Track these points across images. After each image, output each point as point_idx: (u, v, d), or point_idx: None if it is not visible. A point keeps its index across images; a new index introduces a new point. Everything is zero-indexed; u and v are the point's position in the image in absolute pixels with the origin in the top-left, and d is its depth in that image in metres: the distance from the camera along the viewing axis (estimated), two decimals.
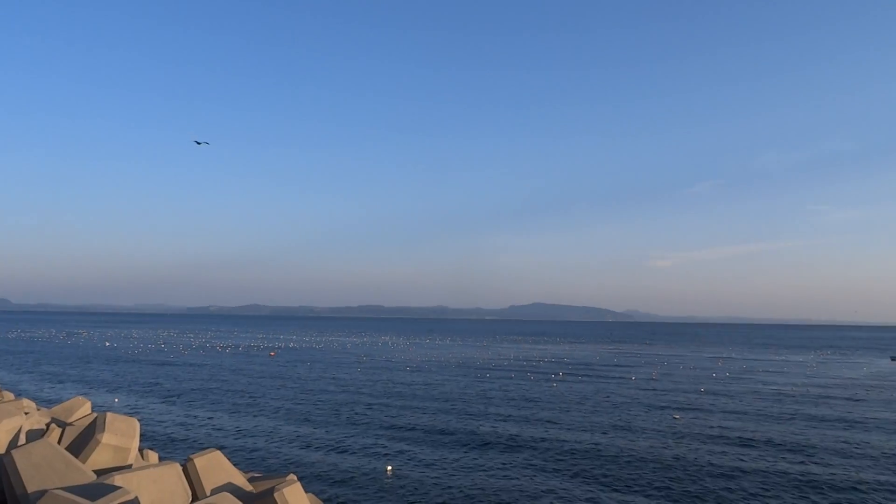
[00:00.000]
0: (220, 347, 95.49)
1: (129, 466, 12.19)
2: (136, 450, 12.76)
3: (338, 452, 24.32)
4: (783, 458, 24.19)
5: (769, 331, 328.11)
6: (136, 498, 9.54)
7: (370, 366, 65.04)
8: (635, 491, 19.55)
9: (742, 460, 23.65)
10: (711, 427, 30.71)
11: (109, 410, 19.94)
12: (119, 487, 9.62)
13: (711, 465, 22.87)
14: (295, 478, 13.00)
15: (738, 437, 28.11)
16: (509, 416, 33.45)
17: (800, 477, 21.26)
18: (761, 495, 19.08)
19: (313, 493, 16.29)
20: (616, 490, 19.62)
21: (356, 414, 33.59)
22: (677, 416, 33.76)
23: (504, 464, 22.78)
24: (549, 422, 31.74)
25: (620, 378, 55.35)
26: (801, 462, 23.51)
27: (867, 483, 20.70)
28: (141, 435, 25.78)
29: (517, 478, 20.85)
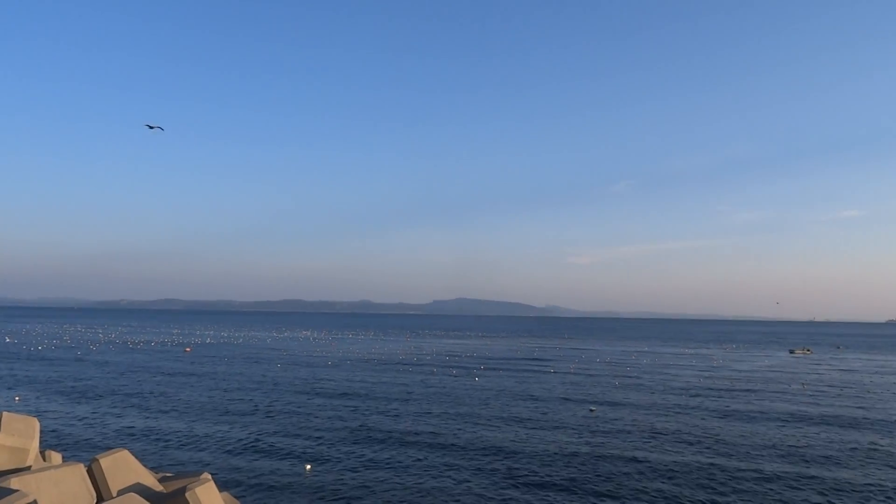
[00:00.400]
0: (131, 343, 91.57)
1: (28, 468, 11.57)
2: (36, 451, 12.11)
3: (255, 450, 23.84)
4: (690, 448, 25.43)
5: (681, 325, 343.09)
6: (35, 501, 9.07)
7: (290, 361, 63.97)
8: (551, 485, 20.11)
9: (651, 451, 24.71)
10: (624, 419, 31.94)
11: (7, 410, 18.80)
12: (16, 490, 9.12)
13: (623, 457, 23.80)
14: (209, 476, 12.67)
15: (650, 429, 29.35)
16: (430, 411, 33.68)
17: (705, 467, 22.42)
18: (667, 485, 20.01)
19: (228, 491, 15.89)
20: (531, 485, 20.12)
21: (275, 411, 32.99)
22: (593, 409, 34.91)
23: (423, 460, 22.94)
24: (469, 417, 32.17)
25: (540, 372, 56.67)
26: (707, 452, 24.79)
27: (765, 473, 22.02)
28: (43, 435, 24.45)
29: (436, 476, 21.04)
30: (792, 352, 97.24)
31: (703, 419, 32.15)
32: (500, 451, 24.13)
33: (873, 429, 30.27)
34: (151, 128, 45.33)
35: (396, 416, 31.92)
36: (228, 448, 24.18)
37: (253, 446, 24.53)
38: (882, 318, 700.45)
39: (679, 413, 34.06)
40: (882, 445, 26.31)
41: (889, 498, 18.77)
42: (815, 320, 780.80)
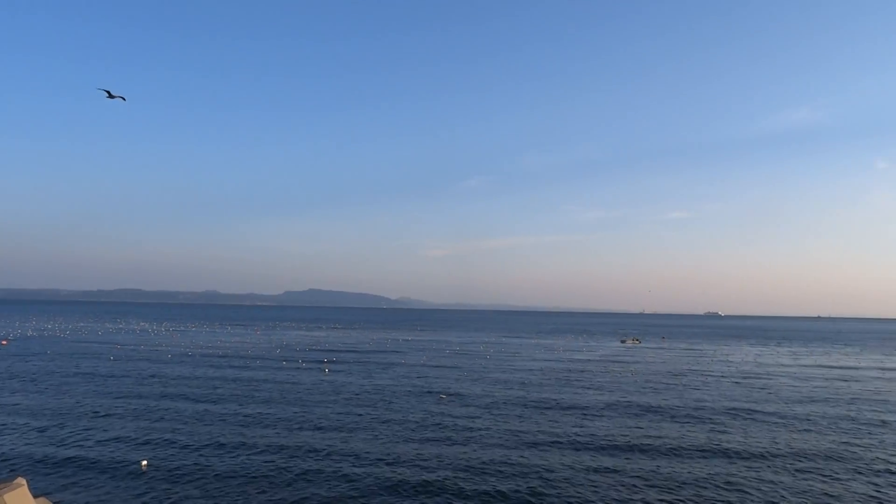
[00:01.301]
0: None
1: None
2: None
3: (79, 452, 22.00)
4: (530, 437, 26.83)
5: (530, 317, 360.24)
6: None
7: (123, 356, 59.63)
8: (394, 482, 20.38)
9: (491, 439, 25.81)
10: (471, 408, 33.06)
11: None
12: None
13: (470, 447, 24.64)
14: (23, 481, 11.62)
15: (491, 417, 30.61)
16: (276, 404, 32.90)
17: (539, 454, 23.77)
18: (504, 471, 21.01)
19: (46, 497, 14.59)
20: (371, 478, 20.29)
21: (105, 408, 30.65)
22: (443, 396, 35.87)
23: (266, 460, 22.40)
24: (316, 409, 31.79)
25: (392, 363, 57.12)
26: (544, 440, 26.28)
27: (586, 465, 23.74)
28: None
29: (278, 472, 20.63)
30: (623, 341, 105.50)
31: (544, 408, 34.03)
32: (346, 442, 24.10)
33: (682, 413, 33.58)
34: (112, 97, 37.66)
35: (241, 410, 30.82)
36: (48, 451, 22.14)
37: (77, 448, 22.63)
38: (701, 311, 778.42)
39: (521, 401, 35.78)
40: (692, 429, 29.30)
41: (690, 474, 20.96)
42: (645, 312, 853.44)
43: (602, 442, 25.21)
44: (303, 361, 57.12)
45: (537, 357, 68.80)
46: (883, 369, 62.70)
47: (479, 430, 27.10)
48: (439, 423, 28.28)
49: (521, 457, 22.47)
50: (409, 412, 31.09)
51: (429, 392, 38.47)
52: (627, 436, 26.45)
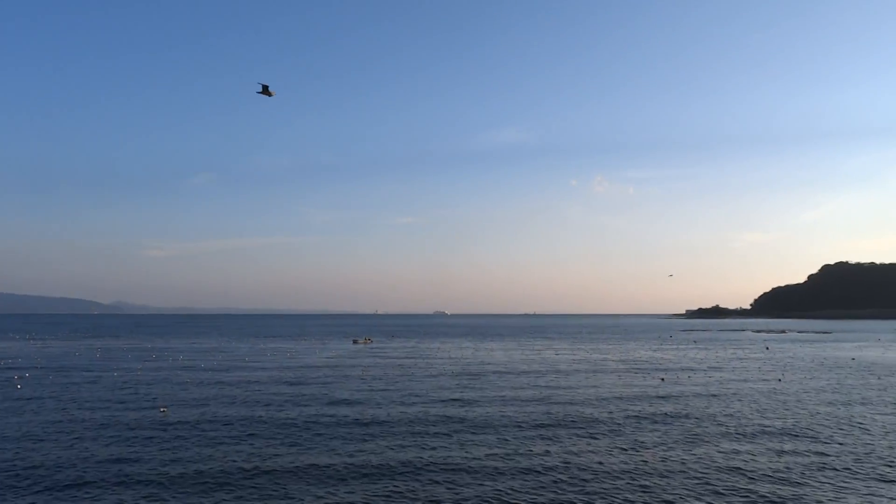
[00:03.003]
0: None
1: None
2: None
3: None
4: (261, 438, 26.31)
5: (264, 320, 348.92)
6: None
7: None
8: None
9: (227, 443, 24.84)
10: (199, 419, 31.35)
11: None
12: None
13: (202, 457, 23.40)
14: None
15: (225, 424, 29.42)
16: None
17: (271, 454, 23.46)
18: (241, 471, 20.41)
19: None
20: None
21: None
22: (164, 410, 33.30)
23: None
24: (10, 430, 27.52)
25: (102, 375, 51.44)
26: (289, 440, 25.98)
27: (313, 463, 24.10)
28: None
29: None
30: (355, 342, 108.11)
31: (280, 409, 33.54)
32: (40, 466, 21.31)
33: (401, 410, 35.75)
34: (269, 94, 36.19)
35: None
36: None
37: None
38: (430, 310, 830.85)
39: (262, 404, 34.86)
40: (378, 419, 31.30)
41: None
42: (378, 313, 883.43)
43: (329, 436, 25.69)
44: None
45: (270, 360, 67.33)
46: (574, 356, 73.20)
47: (207, 441, 25.82)
48: (168, 435, 26.33)
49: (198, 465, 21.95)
50: (129, 423, 28.39)
51: (147, 405, 35.48)
52: (367, 422, 27.33)
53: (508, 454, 23.55)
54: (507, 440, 26.07)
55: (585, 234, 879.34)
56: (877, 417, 31.83)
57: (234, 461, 22.33)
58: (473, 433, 27.52)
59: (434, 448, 24.55)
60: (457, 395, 39.15)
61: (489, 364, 63.29)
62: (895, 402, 36.99)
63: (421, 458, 22.97)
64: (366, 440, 25.99)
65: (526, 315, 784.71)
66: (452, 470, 21.33)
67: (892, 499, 18.44)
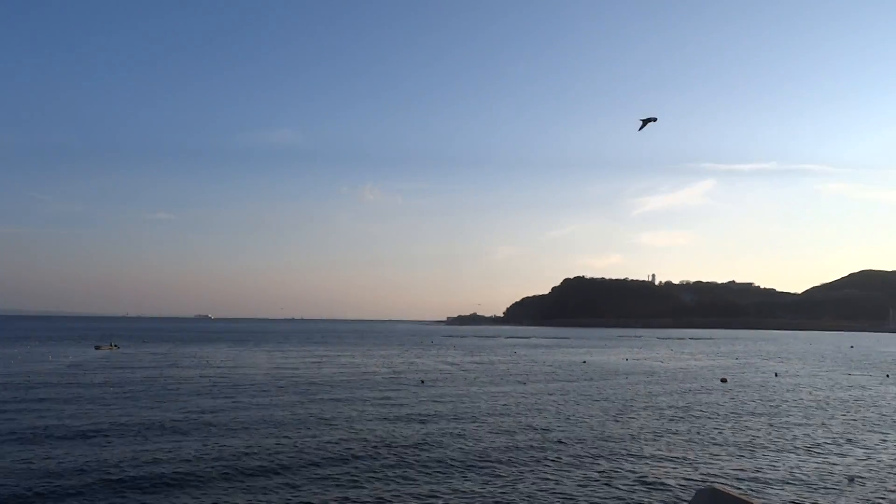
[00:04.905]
0: None
1: None
2: None
3: None
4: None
5: None
6: None
7: None
8: None
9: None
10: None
11: None
12: None
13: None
14: None
15: None
16: None
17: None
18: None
19: None
20: None
21: None
22: None
23: None
24: None
25: None
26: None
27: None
28: None
29: None
30: (98, 348, 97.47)
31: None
32: None
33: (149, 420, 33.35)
34: (653, 121, 36.39)
35: None
36: None
37: None
38: (192, 314, 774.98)
39: None
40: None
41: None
42: (129, 315, 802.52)
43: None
44: None
45: None
46: (341, 361, 73.72)
47: None
48: None
49: None
50: None
51: None
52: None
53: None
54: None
55: (354, 241, 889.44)
56: (594, 413, 36.65)
57: None
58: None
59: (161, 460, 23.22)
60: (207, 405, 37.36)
61: (245, 368, 61.22)
62: (609, 399, 42.91)
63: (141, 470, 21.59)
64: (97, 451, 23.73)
65: (292, 320, 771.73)
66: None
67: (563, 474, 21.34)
